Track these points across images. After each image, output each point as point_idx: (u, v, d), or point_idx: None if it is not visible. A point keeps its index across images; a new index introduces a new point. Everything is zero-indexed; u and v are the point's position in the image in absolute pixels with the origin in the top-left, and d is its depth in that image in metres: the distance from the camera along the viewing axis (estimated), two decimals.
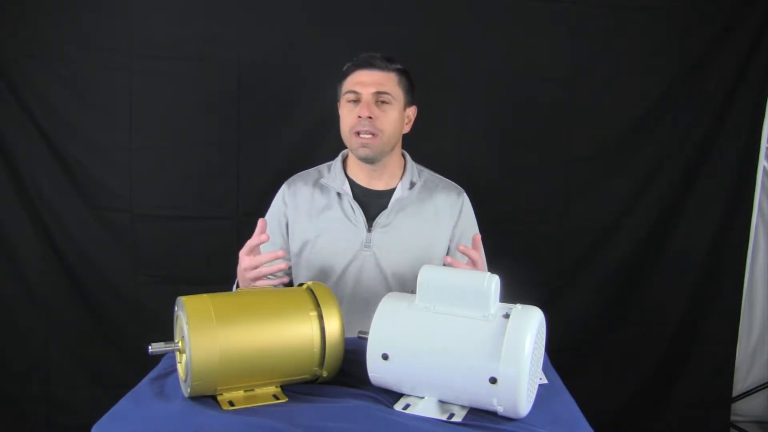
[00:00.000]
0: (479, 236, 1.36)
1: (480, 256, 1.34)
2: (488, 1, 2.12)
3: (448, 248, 1.55)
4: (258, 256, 1.28)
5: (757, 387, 2.44)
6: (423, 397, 1.01)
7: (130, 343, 2.12)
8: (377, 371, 1.02)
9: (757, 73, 2.17)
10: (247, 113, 2.11)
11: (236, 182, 2.13)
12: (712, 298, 2.28)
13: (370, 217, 1.50)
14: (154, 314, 2.06)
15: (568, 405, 1.06)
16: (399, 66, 1.50)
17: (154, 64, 2.07)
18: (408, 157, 1.59)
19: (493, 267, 1.29)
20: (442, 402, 1.01)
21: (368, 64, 1.46)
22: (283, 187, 1.57)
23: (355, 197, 1.51)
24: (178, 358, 1.06)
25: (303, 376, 1.06)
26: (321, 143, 2.05)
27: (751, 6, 2.14)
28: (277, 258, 1.27)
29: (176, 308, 1.05)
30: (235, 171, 2.13)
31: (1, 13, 2.02)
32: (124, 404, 1.00)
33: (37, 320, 2.14)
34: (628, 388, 2.32)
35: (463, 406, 1.00)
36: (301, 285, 1.17)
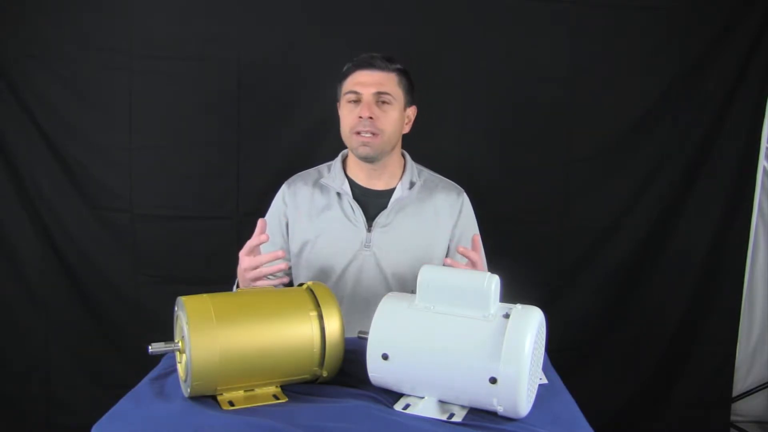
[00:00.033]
0: (479, 237, 1.37)
1: (480, 257, 1.34)
2: (488, 1, 2.12)
3: (448, 248, 1.55)
4: (258, 257, 1.28)
5: (757, 387, 2.44)
6: (423, 397, 1.01)
7: (130, 343, 2.12)
8: (377, 371, 1.02)
9: (757, 73, 2.17)
10: (247, 113, 2.11)
11: (236, 182, 2.13)
12: (712, 298, 2.28)
13: (370, 217, 1.50)
14: (154, 314, 2.06)
15: (568, 405, 1.06)
16: (399, 66, 1.50)
17: (154, 64, 2.07)
18: (408, 157, 1.59)
19: (493, 267, 1.29)
20: (442, 402, 1.01)
21: (368, 65, 1.46)
22: (283, 187, 1.57)
23: (355, 197, 1.51)
24: (178, 358, 1.06)
25: (303, 376, 1.06)
26: (321, 143, 2.05)
27: (751, 6, 2.14)
28: (277, 258, 1.27)
29: (176, 308, 1.05)
30: (235, 171, 2.13)
31: (1, 13, 2.02)
32: (124, 404, 1.00)
33: (37, 320, 2.14)
34: (628, 388, 2.32)
35: (463, 406, 1.00)
36: (301, 285, 1.17)
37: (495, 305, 1.00)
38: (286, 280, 1.41)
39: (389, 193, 1.53)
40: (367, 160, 1.49)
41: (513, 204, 2.19)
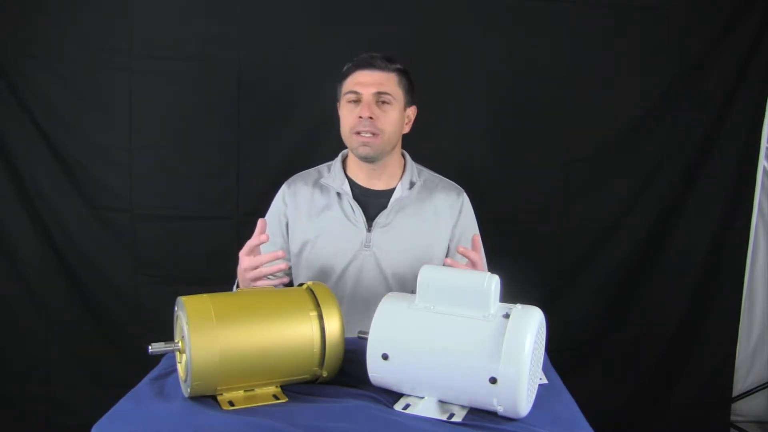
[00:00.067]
0: (479, 237, 1.37)
1: (480, 257, 1.34)
2: (488, 1, 2.12)
3: (448, 248, 1.55)
4: (258, 257, 1.28)
5: (757, 387, 2.44)
6: (423, 397, 1.01)
7: (130, 343, 2.12)
8: (377, 371, 1.02)
9: (757, 73, 2.17)
10: (247, 113, 2.11)
11: (236, 182, 2.13)
12: (712, 298, 2.28)
13: (370, 217, 1.50)
14: (154, 314, 2.06)
15: (568, 405, 1.06)
16: (399, 66, 1.50)
17: (154, 64, 2.07)
18: (408, 157, 1.59)
19: (493, 267, 1.29)
20: (442, 402, 1.01)
21: (368, 65, 1.46)
22: (283, 187, 1.57)
23: (355, 197, 1.51)
24: (178, 358, 1.06)
25: (303, 376, 1.06)
26: (321, 143, 2.05)
27: (751, 6, 2.14)
28: (277, 258, 1.27)
29: (176, 308, 1.05)
30: (235, 171, 2.13)
31: (1, 13, 2.02)
32: (124, 404, 1.00)
33: (37, 320, 2.14)
34: (628, 388, 2.32)
35: (463, 406, 1.00)
36: (301, 285, 1.17)
37: (495, 305, 1.00)
38: (286, 280, 1.41)
39: (389, 193, 1.53)
40: (367, 160, 1.49)
41: (513, 204, 2.19)
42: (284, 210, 1.55)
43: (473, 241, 1.35)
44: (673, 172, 2.22)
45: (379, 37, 2.05)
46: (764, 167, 2.28)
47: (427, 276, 1.04)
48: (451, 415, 0.97)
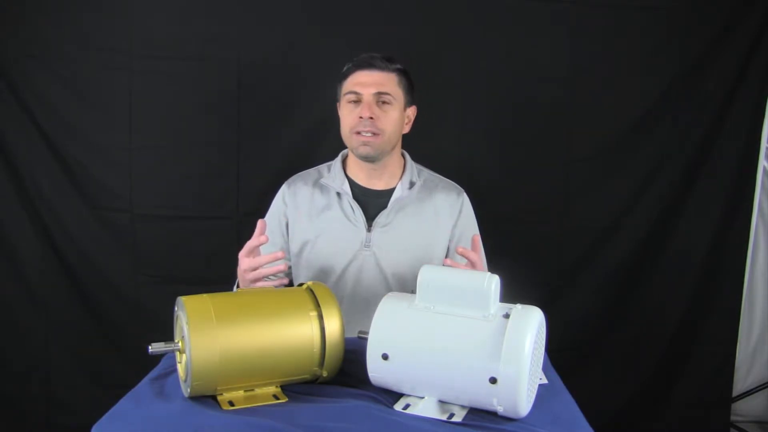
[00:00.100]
0: (478, 237, 1.36)
1: (479, 257, 1.34)
2: (488, 1, 2.12)
3: (448, 248, 1.55)
4: (257, 258, 1.28)
5: (757, 387, 2.44)
6: (423, 397, 1.01)
7: (130, 343, 2.12)
8: (377, 371, 1.02)
9: (757, 73, 2.17)
10: (247, 113, 2.11)
11: (236, 182, 2.13)
12: (712, 298, 2.28)
13: (370, 217, 1.50)
14: (154, 314, 2.06)
15: (568, 405, 1.06)
16: (399, 66, 1.50)
17: (154, 64, 2.07)
18: (408, 157, 1.59)
19: (493, 267, 1.29)
20: (442, 402, 1.01)
21: (368, 65, 1.46)
22: (283, 187, 1.57)
23: (355, 197, 1.51)
24: (178, 358, 1.06)
25: (303, 376, 1.06)
26: (321, 143, 2.05)
27: (751, 6, 2.14)
28: (277, 259, 1.27)
29: (176, 308, 1.05)
30: (235, 171, 2.13)
31: (1, 13, 2.02)
32: (124, 404, 1.00)
33: (37, 320, 2.14)
34: (628, 388, 2.32)
35: (463, 406, 1.00)
36: (301, 285, 1.17)
37: (495, 305, 1.00)
38: (285, 280, 1.41)
39: (389, 192, 1.53)
40: (368, 159, 1.49)
41: (513, 204, 2.19)
42: (284, 210, 1.55)
43: (473, 241, 1.35)
44: (673, 172, 2.22)
45: (379, 37, 2.05)
46: (764, 167, 2.28)
47: (427, 276, 1.04)
48: (451, 415, 0.97)
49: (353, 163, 1.54)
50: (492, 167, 2.17)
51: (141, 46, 2.06)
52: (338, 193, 1.51)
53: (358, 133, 1.45)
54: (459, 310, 1.00)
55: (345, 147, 1.56)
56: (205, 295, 1.03)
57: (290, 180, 1.58)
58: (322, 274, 1.50)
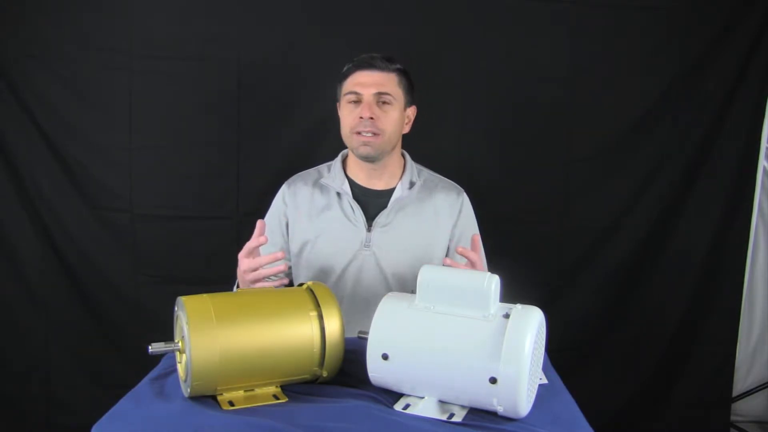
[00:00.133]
0: (478, 237, 1.36)
1: (479, 257, 1.34)
2: (488, 1, 2.12)
3: (448, 248, 1.55)
4: (257, 258, 1.28)
5: (757, 387, 2.44)
6: (423, 397, 1.01)
7: (130, 343, 2.12)
8: (377, 371, 1.02)
9: (757, 73, 2.17)
10: (247, 113, 2.11)
11: (236, 182, 2.13)
12: (712, 298, 2.28)
13: (370, 217, 1.50)
14: (154, 314, 2.06)
15: (568, 405, 1.06)
16: (399, 66, 1.50)
17: (154, 64, 2.07)
18: (408, 157, 1.59)
19: (493, 267, 1.29)
20: (442, 402, 1.01)
21: (368, 65, 1.46)
22: (283, 187, 1.57)
23: (355, 197, 1.51)
24: (178, 358, 1.06)
25: (303, 376, 1.06)
26: (321, 143, 2.05)
27: (751, 6, 2.14)
28: (276, 260, 1.27)
29: (176, 308, 1.05)
30: (235, 171, 2.13)
31: (1, 13, 2.02)
32: (124, 404, 1.00)
33: (37, 320, 2.14)
34: (628, 388, 2.32)
35: (463, 406, 1.00)
36: (301, 285, 1.17)
37: (495, 305, 1.00)
38: (285, 281, 1.41)
39: (389, 192, 1.53)
40: (368, 160, 1.49)
41: (513, 204, 2.19)
42: (284, 210, 1.55)
43: (473, 240, 1.35)
44: (673, 172, 2.22)
45: (379, 37, 2.05)
46: (764, 167, 2.28)
47: (427, 276, 1.04)
48: (451, 415, 0.97)
49: (353, 163, 1.54)
50: (492, 167, 2.17)
51: (141, 46, 2.06)
52: (338, 193, 1.51)
53: (359, 133, 1.45)
54: (459, 310, 1.00)
55: (345, 147, 1.56)
56: (205, 295, 1.03)
57: (290, 180, 1.58)
58: (322, 274, 1.50)
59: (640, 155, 2.21)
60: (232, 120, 2.10)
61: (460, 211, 1.56)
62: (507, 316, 0.97)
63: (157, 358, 1.17)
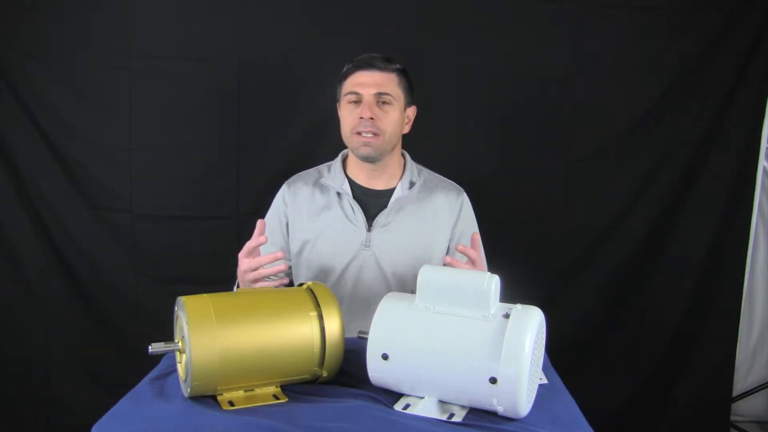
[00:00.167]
0: (478, 235, 1.37)
1: (479, 255, 1.34)
2: (488, 1, 2.12)
3: (448, 248, 1.55)
4: (257, 258, 1.28)
5: (757, 387, 2.44)
6: (423, 397, 1.01)
7: (130, 343, 2.12)
8: (377, 371, 1.02)
9: (757, 73, 2.17)
10: (247, 113, 2.11)
11: (236, 182, 2.13)
12: (712, 298, 2.28)
13: (370, 217, 1.50)
14: (154, 314, 2.06)
15: (568, 405, 1.06)
16: (399, 66, 1.50)
17: (154, 64, 2.07)
18: (408, 157, 1.59)
19: (493, 267, 1.29)
20: (442, 402, 1.01)
21: (368, 65, 1.46)
22: (283, 187, 1.57)
23: (355, 197, 1.51)
24: (178, 358, 1.06)
25: (303, 376, 1.06)
26: (321, 143, 2.05)
27: (751, 6, 2.14)
28: (276, 259, 1.27)
29: (176, 308, 1.05)
30: (235, 171, 2.13)
31: (1, 13, 2.02)
32: (124, 404, 1.00)
33: (37, 320, 2.14)
34: (628, 388, 2.32)
35: (463, 406, 1.00)
36: (301, 285, 1.17)
37: (495, 305, 1.00)
38: (286, 280, 1.41)
39: (389, 192, 1.53)
40: (368, 160, 1.49)
41: (513, 204, 2.19)
42: (284, 210, 1.55)
43: (473, 239, 1.36)
44: (673, 172, 2.22)
45: (379, 37, 2.05)
46: (764, 167, 2.28)
47: (427, 276, 1.04)
48: (451, 415, 0.97)
49: (353, 163, 1.54)
50: (492, 167, 2.17)
51: (141, 46, 2.06)
52: (338, 193, 1.51)
53: (359, 133, 1.45)
54: (459, 310, 1.00)
55: (345, 147, 1.56)
56: (205, 295, 1.03)
57: (290, 180, 1.58)
58: (322, 274, 1.50)
59: (640, 155, 2.21)
60: (232, 120, 2.10)
61: (460, 211, 1.56)
62: (507, 316, 0.97)
63: (157, 358, 1.17)
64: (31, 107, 2.06)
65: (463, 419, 0.97)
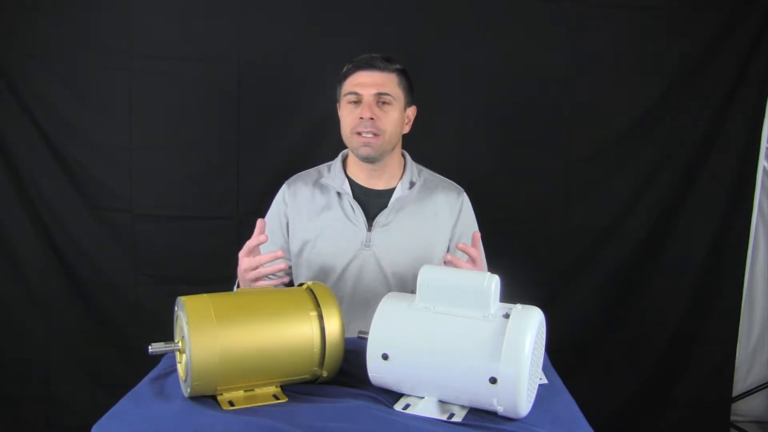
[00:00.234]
0: (479, 234, 1.37)
1: (479, 254, 1.35)
2: (488, 1, 2.12)
3: (448, 248, 1.55)
4: (257, 257, 1.28)
5: (757, 387, 2.44)
6: (423, 397, 1.01)
7: (130, 343, 2.12)
8: (377, 371, 1.02)
9: (757, 73, 2.17)
10: (247, 113, 2.11)
11: (236, 182, 2.13)
12: (712, 298, 2.28)
13: (370, 217, 1.50)
14: (154, 314, 2.06)
15: (568, 405, 1.06)
16: (399, 66, 1.50)
17: (154, 64, 2.07)
18: (408, 156, 1.59)
19: (493, 267, 1.29)
20: (442, 402, 1.01)
21: (368, 65, 1.46)
22: (284, 187, 1.57)
23: (355, 197, 1.51)
24: (178, 358, 1.06)
25: (303, 376, 1.06)
26: (321, 143, 2.05)
27: (751, 6, 2.14)
28: (277, 258, 1.27)
29: (176, 308, 1.05)
30: (235, 171, 2.13)
31: (1, 13, 2.02)
32: (124, 404, 1.00)
33: (37, 320, 2.14)
34: (628, 388, 2.32)
35: (463, 406, 1.00)
36: (301, 285, 1.17)
37: (495, 305, 1.00)
38: (286, 279, 1.41)
39: (389, 192, 1.53)
40: (369, 160, 1.49)
41: (513, 204, 2.19)
42: (284, 210, 1.55)
43: (473, 237, 1.36)
44: (673, 172, 2.22)
45: (379, 37, 2.05)
46: (764, 167, 2.28)
47: (427, 276, 1.04)
48: (451, 415, 0.97)
49: (353, 163, 1.54)
50: (492, 167, 2.17)
51: (141, 46, 2.06)
52: (338, 193, 1.51)
53: (359, 133, 1.45)
54: (459, 310, 1.00)
55: (345, 147, 1.56)
56: (205, 295, 1.03)
57: (290, 180, 1.58)
58: (323, 274, 1.50)
59: (640, 155, 2.21)
60: (232, 120, 2.10)
61: (460, 211, 1.56)
62: (507, 316, 0.97)
63: (157, 358, 1.17)
64: (31, 107, 2.06)
65: (463, 419, 0.97)
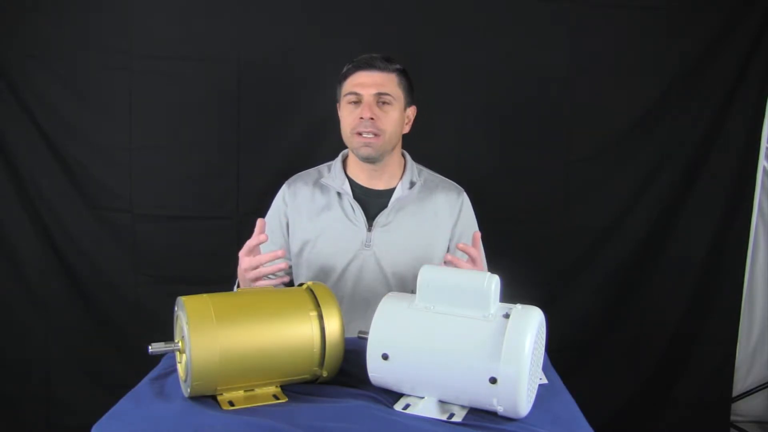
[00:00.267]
0: (479, 234, 1.37)
1: (479, 254, 1.35)
2: (488, 1, 2.12)
3: (448, 248, 1.55)
4: (257, 257, 1.28)
5: (757, 387, 2.44)
6: (423, 397, 1.01)
7: (130, 343, 2.12)
8: (377, 371, 1.02)
9: (757, 73, 2.17)
10: (247, 113, 2.11)
11: (236, 182, 2.13)
12: (712, 298, 2.28)
13: (370, 217, 1.50)
14: (154, 314, 2.06)
15: (568, 405, 1.06)
16: (399, 66, 1.50)
17: (154, 64, 2.07)
18: (408, 156, 1.59)
19: (493, 267, 1.29)
20: (442, 402, 1.01)
21: (368, 65, 1.46)
22: (284, 187, 1.57)
23: (355, 197, 1.51)
24: (178, 358, 1.06)
25: (303, 376, 1.06)
26: (321, 143, 2.05)
27: (751, 6, 2.14)
28: (277, 258, 1.27)
29: (176, 308, 1.05)
30: (235, 171, 2.13)
31: (1, 13, 2.02)
32: (124, 404, 1.00)
33: (37, 320, 2.14)
34: (628, 388, 2.32)
35: (463, 406, 1.00)
36: (301, 285, 1.17)
37: (495, 305, 1.00)
38: (286, 279, 1.41)
39: (389, 192, 1.53)
40: (369, 160, 1.49)
41: (513, 204, 2.19)
42: (284, 210, 1.55)
43: (474, 237, 1.36)
44: (673, 172, 2.22)
45: (379, 37, 2.05)
46: (764, 167, 2.28)
47: (427, 276, 1.04)
48: (451, 415, 0.97)
49: (353, 163, 1.54)
50: (492, 167, 2.17)
51: (141, 46, 2.06)
52: (338, 193, 1.51)
53: (359, 134, 1.45)
54: (459, 310, 1.00)
55: (345, 147, 1.56)
56: (205, 295, 1.03)
57: (290, 180, 1.58)
58: (323, 274, 1.50)
59: (640, 155, 2.21)
60: (232, 120, 2.10)
61: (460, 211, 1.56)
62: (507, 316, 0.97)
63: (157, 358, 1.17)
64: (31, 107, 2.06)
65: (463, 419, 0.97)
